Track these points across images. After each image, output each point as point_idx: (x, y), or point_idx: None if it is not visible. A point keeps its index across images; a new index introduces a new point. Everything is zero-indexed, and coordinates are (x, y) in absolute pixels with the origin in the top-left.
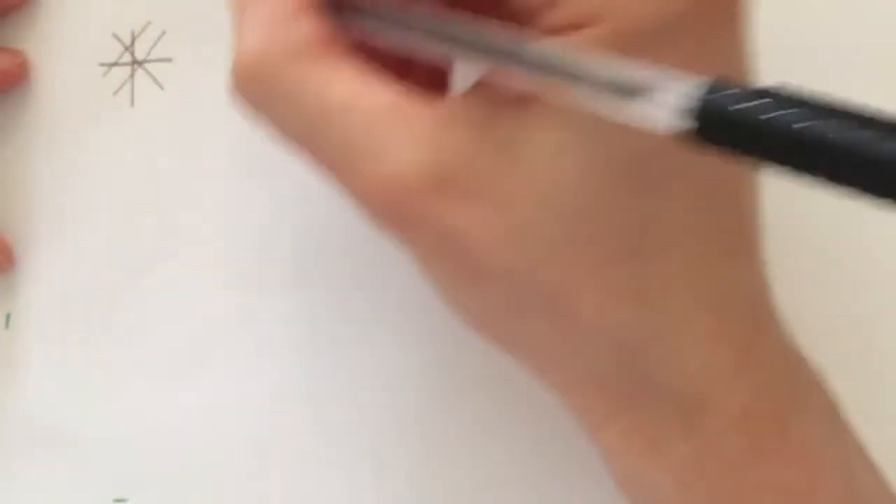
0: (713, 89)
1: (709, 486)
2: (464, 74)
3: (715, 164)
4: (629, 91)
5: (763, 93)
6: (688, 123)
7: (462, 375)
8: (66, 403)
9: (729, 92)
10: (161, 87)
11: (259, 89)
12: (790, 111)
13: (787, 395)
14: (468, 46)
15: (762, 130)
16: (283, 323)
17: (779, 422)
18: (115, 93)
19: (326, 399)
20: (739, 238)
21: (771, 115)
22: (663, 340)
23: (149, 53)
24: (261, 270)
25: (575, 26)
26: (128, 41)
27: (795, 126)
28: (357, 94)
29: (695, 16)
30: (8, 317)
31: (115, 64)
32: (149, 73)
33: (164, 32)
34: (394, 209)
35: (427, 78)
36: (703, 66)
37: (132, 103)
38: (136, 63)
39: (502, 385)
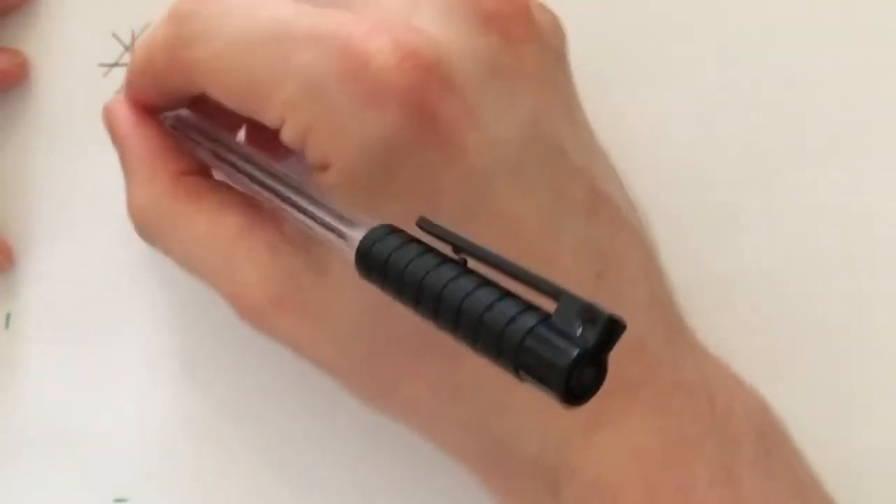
0: (369, 234)
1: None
2: None
3: (508, 249)
4: (339, 226)
5: (401, 235)
6: (356, 259)
7: None
8: (66, 403)
9: (376, 236)
10: None
11: (145, 231)
12: (407, 250)
13: (657, 447)
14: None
15: (387, 267)
16: None
17: (646, 480)
18: (116, 93)
19: (326, 399)
20: None
21: (392, 253)
22: (497, 423)
23: None
24: None
25: (321, 167)
26: (128, 41)
27: (404, 264)
28: (210, 229)
29: (398, 138)
30: (8, 317)
31: (115, 64)
32: None
33: None
34: (253, 321)
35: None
36: (429, 179)
37: None
38: None
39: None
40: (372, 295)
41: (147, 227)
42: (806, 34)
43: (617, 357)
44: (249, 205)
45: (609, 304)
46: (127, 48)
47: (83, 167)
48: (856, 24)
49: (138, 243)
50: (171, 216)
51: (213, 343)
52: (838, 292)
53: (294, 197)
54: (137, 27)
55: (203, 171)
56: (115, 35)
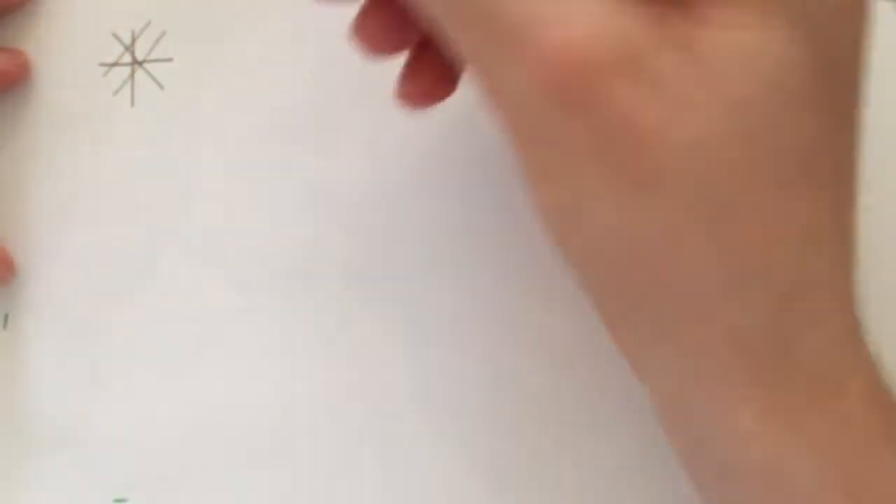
0: None
1: (848, 473)
2: None
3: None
4: None
5: None
6: None
7: (460, 377)
8: (66, 403)
9: None
10: (161, 87)
11: None
12: None
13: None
14: None
15: None
16: (284, 322)
17: None
18: (116, 93)
19: (326, 399)
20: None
21: None
22: (813, 294)
23: (149, 53)
24: (261, 270)
25: None
26: (128, 41)
27: None
28: None
29: None
30: (6, 317)
31: (115, 64)
32: (149, 74)
33: (164, 32)
34: (567, 85)
35: None
36: None
37: (132, 103)
38: (136, 63)
39: (503, 386)
40: (765, 94)
41: None
42: None
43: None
44: None
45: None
46: (127, 48)
47: (83, 167)
48: None
49: (138, 243)
50: None
51: (214, 343)
52: None
53: None
54: (137, 27)
55: None
56: (115, 35)
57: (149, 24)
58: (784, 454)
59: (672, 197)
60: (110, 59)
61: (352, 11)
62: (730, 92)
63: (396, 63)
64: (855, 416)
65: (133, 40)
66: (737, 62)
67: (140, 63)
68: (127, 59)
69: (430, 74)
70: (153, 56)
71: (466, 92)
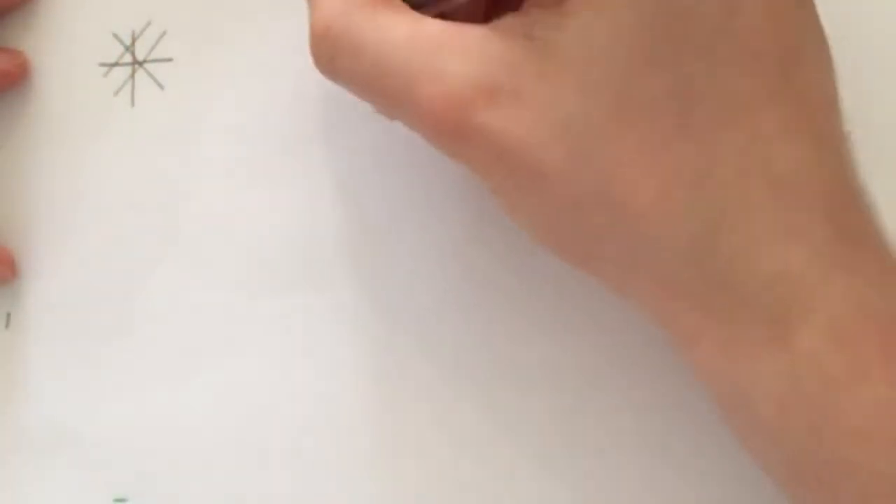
0: None
1: (807, 404)
2: None
3: (767, 29)
4: None
5: None
6: None
7: (461, 376)
8: (66, 403)
9: None
10: (161, 87)
11: (329, 48)
12: None
13: (885, 306)
14: None
15: None
16: (283, 323)
17: (882, 335)
18: (116, 93)
19: (326, 399)
20: (801, 115)
21: None
22: (730, 234)
23: (149, 53)
24: (261, 271)
25: None
26: (128, 41)
27: None
28: (411, 32)
29: None
30: (8, 317)
31: (115, 64)
32: (149, 74)
33: (164, 32)
34: (451, 125)
35: None
36: None
37: (133, 103)
38: (136, 63)
39: (502, 386)
40: (615, 66)
41: (333, 40)
42: None
43: (841, 197)
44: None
45: (837, 136)
46: (127, 48)
47: (83, 167)
48: (857, 23)
49: (138, 243)
50: (366, 22)
51: (214, 343)
52: None
53: None
54: (137, 27)
55: None
56: (115, 35)
57: (149, 24)
58: (740, 386)
59: (557, 185)
60: (111, 60)
61: None
62: (578, 74)
63: None
64: (810, 351)
65: (133, 40)
66: (581, 46)
67: (140, 63)
68: (127, 59)
69: None
70: (153, 56)
71: None
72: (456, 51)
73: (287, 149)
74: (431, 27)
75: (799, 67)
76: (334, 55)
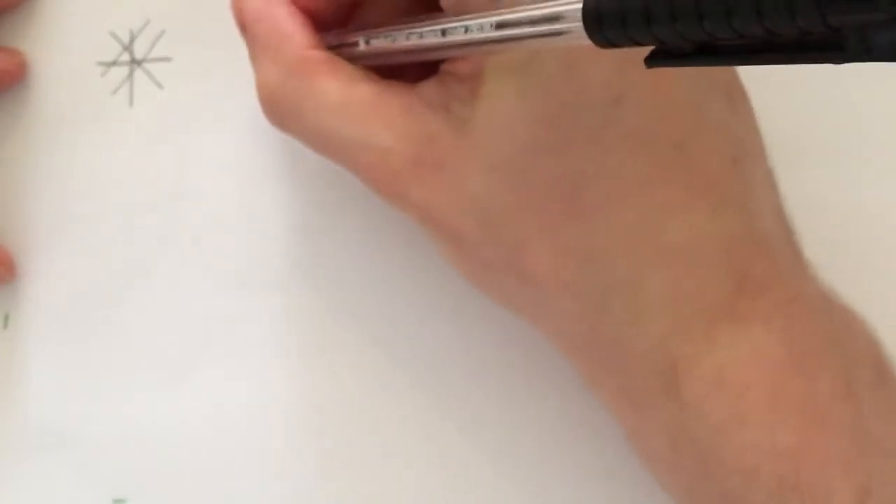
0: None
1: (696, 448)
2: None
3: (656, 109)
4: (549, 21)
5: None
6: (589, 27)
7: (458, 377)
8: (66, 403)
9: None
10: (160, 86)
11: (274, 113)
12: None
13: (783, 350)
14: (426, 43)
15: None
16: (283, 323)
17: (769, 381)
18: (114, 92)
19: (325, 399)
20: (698, 186)
21: None
22: (620, 302)
23: (148, 53)
24: (261, 271)
25: None
26: (126, 40)
27: None
28: (343, 98)
29: None
30: (7, 317)
31: (113, 63)
32: (148, 73)
33: (163, 32)
34: (384, 189)
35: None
36: None
37: (131, 103)
38: (134, 62)
39: (501, 385)
40: (513, 151)
41: (277, 105)
42: None
43: (745, 252)
44: (380, 76)
45: (741, 194)
46: (125, 47)
47: (82, 166)
48: None
49: (137, 243)
50: (302, 89)
51: (214, 343)
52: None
53: (476, 21)
54: (136, 26)
55: (322, 48)
56: (113, 34)
57: (148, 23)
58: (638, 427)
59: (472, 248)
60: (109, 59)
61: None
62: (485, 155)
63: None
64: (694, 400)
65: (132, 39)
66: (486, 129)
67: (139, 62)
68: (126, 58)
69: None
70: (152, 55)
71: None
72: (382, 121)
73: (286, 148)
74: (359, 93)
75: (696, 138)
76: (280, 119)
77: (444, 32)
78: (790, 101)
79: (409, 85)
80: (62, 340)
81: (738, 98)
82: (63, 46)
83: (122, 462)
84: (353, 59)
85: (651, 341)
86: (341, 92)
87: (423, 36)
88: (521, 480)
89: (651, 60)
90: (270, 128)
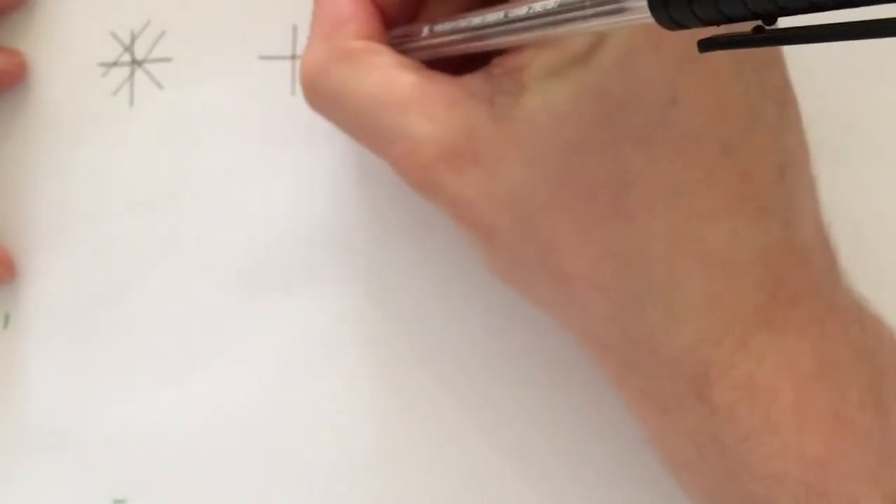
0: None
1: (722, 453)
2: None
3: (710, 112)
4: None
5: None
6: (653, 4)
7: (462, 377)
8: (66, 403)
9: None
10: (161, 87)
11: (314, 94)
12: None
13: (812, 360)
14: (482, 32)
15: None
16: (284, 323)
17: (798, 390)
18: (115, 93)
19: (325, 399)
20: (741, 192)
21: None
22: (657, 305)
23: (148, 53)
24: (261, 271)
25: None
26: (127, 41)
27: None
28: (384, 88)
29: None
30: (7, 317)
31: (114, 64)
32: (148, 74)
33: (163, 32)
34: (418, 180)
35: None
36: None
37: (131, 103)
38: (135, 63)
39: (504, 386)
40: (559, 147)
41: (318, 85)
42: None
43: (782, 262)
44: (425, 67)
45: (784, 203)
46: (126, 48)
47: (82, 166)
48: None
49: (138, 243)
50: (346, 74)
51: (213, 343)
52: None
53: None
54: (137, 27)
55: (382, 39)
56: (114, 35)
57: (148, 23)
58: (662, 430)
59: (505, 243)
60: (109, 59)
61: None
62: (527, 149)
63: None
64: (724, 405)
65: (132, 40)
66: (531, 124)
67: (139, 63)
68: (126, 58)
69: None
70: (153, 56)
71: None
72: (422, 111)
73: (286, 149)
74: (403, 83)
75: (746, 142)
76: (318, 100)
77: (506, 14)
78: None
79: (455, 77)
80: (62, 340)
81: (790, 105)
82: (63, 47)
83: (122, 462)
84: (413, 53)
85: (684, 345)
86: (385, 80)
87: (486, 18)
88: (537, 482)
89: (704, 45)
90: (269, 128)
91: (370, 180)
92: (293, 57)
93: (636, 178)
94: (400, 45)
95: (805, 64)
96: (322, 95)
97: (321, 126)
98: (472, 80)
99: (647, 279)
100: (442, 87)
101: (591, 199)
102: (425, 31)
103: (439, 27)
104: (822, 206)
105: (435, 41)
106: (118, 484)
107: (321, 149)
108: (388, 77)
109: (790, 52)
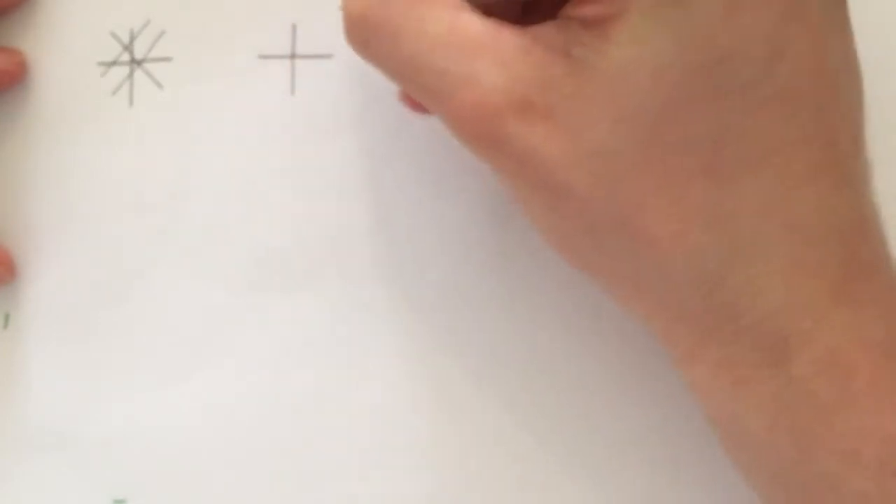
0: None
1: (796, 428)
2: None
3: (810, 69)
4: None
5: None
6: None
7: (464, 377)
8: (66, 403)
9: None
10: (160, 86)
11: (364, 33)
12: None
13: (885, 337)
14: None
15: None
16: (283, 323)
17: (874, 366)
18: (114, 92)
19: (325, 399)
20: (829, 157)
21: None
22: (742, 270)
23: (148, 53)
24: (261, 271)
25: None
26: (126, 40)
27: None
28: (450, 29)
29: None
30: (7, 317)
31: (113, 63)
32: (148, 73)
33: (163, 32)
34: (481, 132)
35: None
36: None
37: (131, 103)
38: (134, 62)
39: (508, 385)
40: (652, 101)
41: (368, 26)
42: None
43: (855, 234)
44: (494, 16)
45: (858, 174)
46: (125, 47)
47: (82, 166)
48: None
49: (138, 243)
50: (405, 11)
51: (213, 343)
52: None
53: None
54: (136, 26)
55: None
56: (113, 34)
57: (148, 23)
58: (732, 405)
59: (578, 206)
60: (109, 59)
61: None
62: (614, 104)
63: None
64: (803, 378)
65: (132, 39)
66: (620, 77)
67: (139, 62)
68: (125, 58)
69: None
70: (152, 55)
71: None
72: (493, 58)
73: (286, 148)
74: (471, 26)
75: (832, 108)
76: (370, 40)
77: None
78: None
79: (525, 27)
80: (62, 340)
81: (860, 78)
82: (63, 46)
83: (122, 462)
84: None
85: (766, 313)
86: (450, 21)
87: None
88: (548, 479)
89: None
90: (270, 128)
91: (372, 180)
92: (293, 56)
93: (734, 136)
94: None
95: None
96: (376, 35)
97: (321, 125)
98: (546, 30)
99: (734, 243)
100: (514, 35)
101: (683, 156)
102: None
103: None
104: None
105: None
106: (118, 484)
107: (321, 148)
108: (455, 17)
109: None
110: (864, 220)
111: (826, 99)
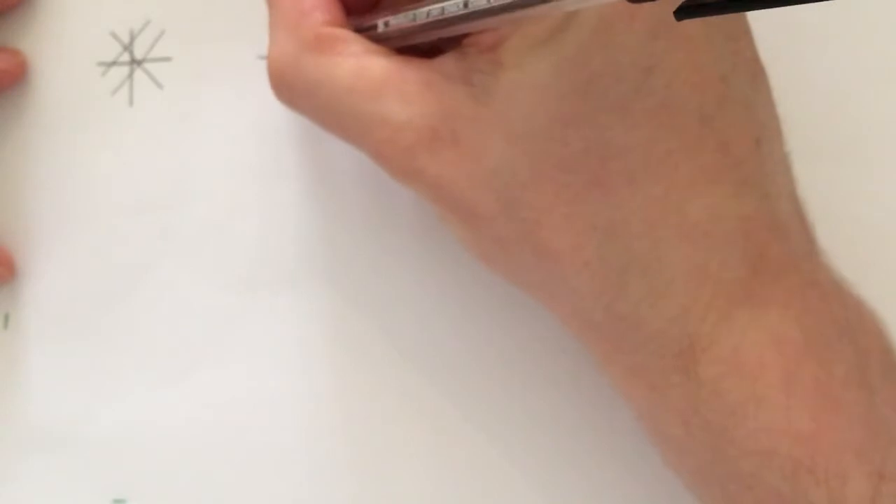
0: None
1: (709, 429)
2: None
3: (686, 81)
4: None
5: None
6: None
7: (460, 378)
8: (66, 404)
9: None
10: (160, 86)
11: (285, 88)
12: None
13: (798, 334)
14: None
15: None
16: (283, 323)
17: (787, 364)
18: (114, 92)
19: (326, 399)
20: (721, 162)
21: None
22: (639, 279)
23: (148, 53)
24: (260, 270)
25: None
26: (126, 40)
27: None
28: (357, 73)
29: None
30: (6, 317)
31: (113, 63)
32: (148, 73)
33: (163, 32)
34: (398, 166)
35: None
36: None
37: (131, 103)
38: (134, 62)
39: (498, 386)
40: (540, 122)
41: (288, 80)
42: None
43: (762, 235)
44: (396, 52)
45: (762, 175)
46: (125, 47)
47: (82, 166)
48: (858, 24)
49: (138, 243)
50: (316, 65)
51: (213, 343)
52: None
53: None
54: (136, 26)
55: (346, 27)
56: (113, 34)
57: (148, 23)
58: (650, 408)
59: (487, 225)
60: (109, 59)
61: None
62: (507, 126)
63: None
64: (711, 379)
65: (132, 39)
66: (509, 99)
67: (139, 62)
68: (125, 58)
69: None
70: (152, 55)
71: None
72: (398, 95)
73: (286, 148)
74: (376, 68)
75: (723, 113)
76: (291, 95)
77: (466, 3)
78: (797, 87)
79: (428, 60)
80: (62, 340)
81: (760, 78)
82: (63, 46)
83: (122, 462)
84: (377, 41)
85: (669, 319)
86: (357, 68)
87: (444, 11)
88: (531, 481)
89: (680, 13)
90: (270, 128)
91: (370, 180)
92: None
93: (616, 150)
94: (364, 32)
95: (791, 63)
96: (294, 89)
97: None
98: (446, 62)
99: (630, 253)
100: (416, 71)
101: (573, 172)
102: (380, 25)
103: (395, 21)
104: (795, 183)
105: (392, 32)
106: (118, 484)
107: (321, 148)
108: (361, 64)
109: (773, 58)
110: (773, 220)
111: (710, 107)
